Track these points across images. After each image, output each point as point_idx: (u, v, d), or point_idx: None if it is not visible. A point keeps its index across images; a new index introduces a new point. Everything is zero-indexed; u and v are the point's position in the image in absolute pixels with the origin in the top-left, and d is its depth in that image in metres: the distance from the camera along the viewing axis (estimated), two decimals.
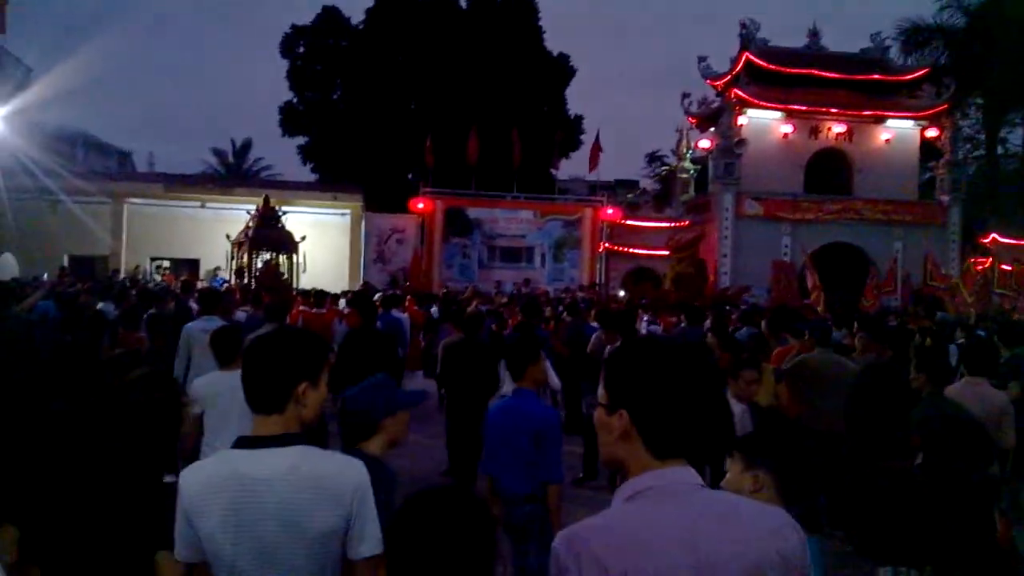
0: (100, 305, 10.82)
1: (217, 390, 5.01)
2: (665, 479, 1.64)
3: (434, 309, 15.24)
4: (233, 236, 20.92)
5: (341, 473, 2.21)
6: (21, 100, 18.72)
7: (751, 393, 5.57)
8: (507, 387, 5.36)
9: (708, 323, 9.69)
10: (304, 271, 21.11)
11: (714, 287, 23.45)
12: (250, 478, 2.14)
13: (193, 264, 24.95)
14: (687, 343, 1.72)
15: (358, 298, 11.72)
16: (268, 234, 20.43)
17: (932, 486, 2.80)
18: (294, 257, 21.00)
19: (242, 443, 2.25)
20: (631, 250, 27.10)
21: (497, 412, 4.58)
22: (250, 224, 20.63)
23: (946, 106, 27.47)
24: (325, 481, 2.17)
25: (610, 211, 27.53)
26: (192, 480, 2.20)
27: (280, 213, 20.98)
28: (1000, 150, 35.65)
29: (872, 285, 19.35)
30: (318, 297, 12.20)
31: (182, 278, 21.40)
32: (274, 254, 20.52)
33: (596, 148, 28.78)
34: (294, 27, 35.88)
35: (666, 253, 26.25)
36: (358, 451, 2.90)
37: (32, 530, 1.90)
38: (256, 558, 2.13)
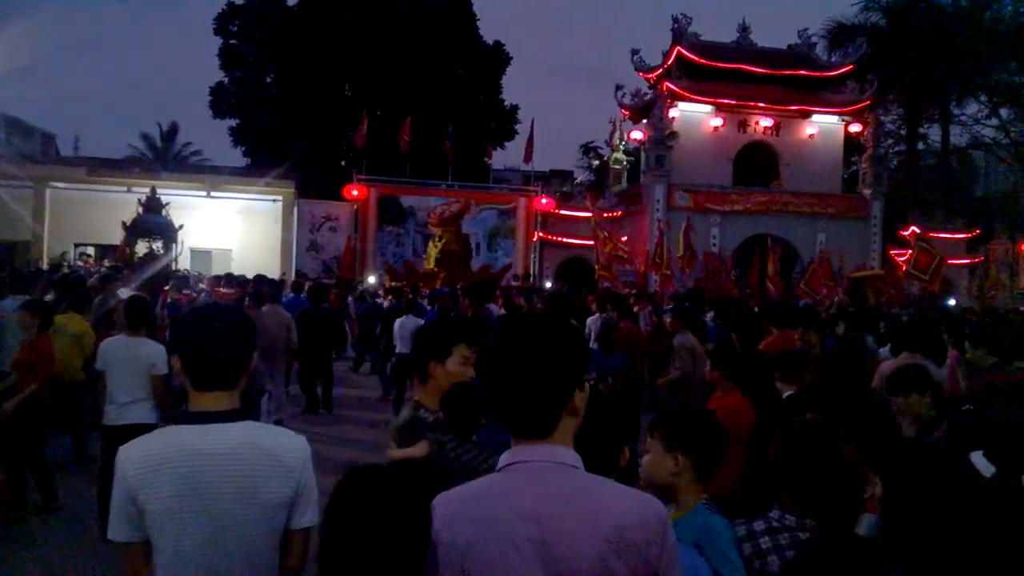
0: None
1: (120, 355, 5.95)
2: (521, 456, 1.72)
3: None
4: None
5: (291, 446, 2.26)
6: None
7: None
8: None
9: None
10: (179, 255, 21.12)
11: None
12: (203, 453, 2.14)
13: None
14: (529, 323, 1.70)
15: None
16: (149, 221, 20.21)
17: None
18: (173, 245, 20.64)
19: (190, 418, 2.25)
20: (565, 240, 27.27)
21: None
22: (139, 211, 20.31)
23: (869, 102, 28.29)
24: (278, 454, 2.22)
25: (544, 201, 27.70)
26: (135, 456, 2.15)
27: (164, 202, 20.63)
28: (920, 145, 36.86)
29: (816, 278, 19.70)
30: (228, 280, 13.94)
31: (106, 263, 20.91)
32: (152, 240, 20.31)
33: (531, 138, 28.87)
34: (230, 4, 35.16)
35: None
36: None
37: None
38: (206, 533, 2.13)
